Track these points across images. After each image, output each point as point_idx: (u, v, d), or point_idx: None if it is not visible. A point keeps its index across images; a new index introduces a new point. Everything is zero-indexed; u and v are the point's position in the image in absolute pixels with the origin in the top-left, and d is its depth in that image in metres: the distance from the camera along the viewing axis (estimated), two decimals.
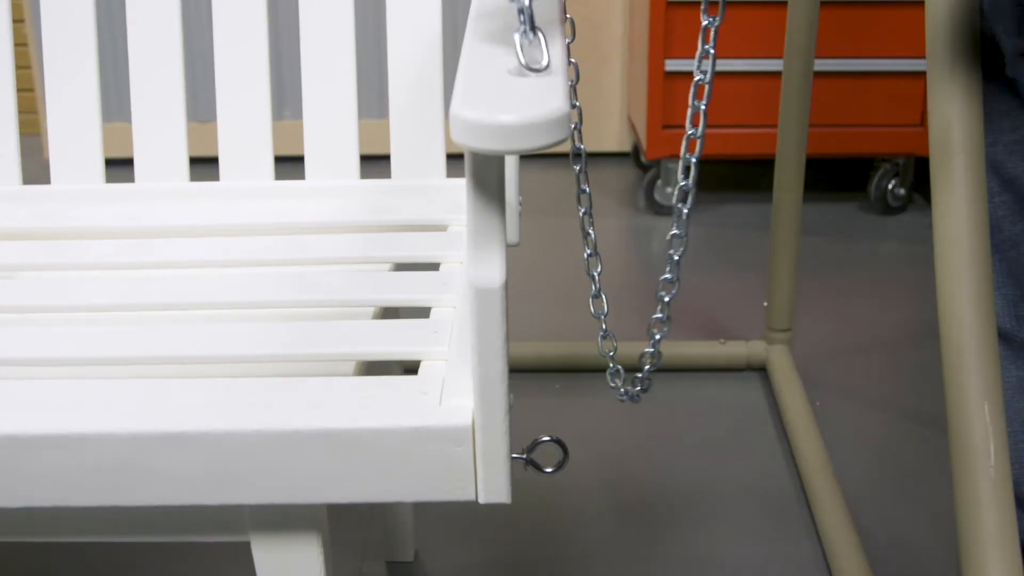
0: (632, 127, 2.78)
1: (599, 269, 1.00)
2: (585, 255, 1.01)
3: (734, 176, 2.82)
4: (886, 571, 1.40)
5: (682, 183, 0.92)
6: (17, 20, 2.80)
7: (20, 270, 1.07)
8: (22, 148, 1.22)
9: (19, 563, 1.46)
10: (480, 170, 0.67)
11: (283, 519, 0.82)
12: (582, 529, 1.51)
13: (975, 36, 0.87)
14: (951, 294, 0.93)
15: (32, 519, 0.84)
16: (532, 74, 0.67)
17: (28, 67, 2.81)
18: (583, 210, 0.98)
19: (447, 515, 1.52)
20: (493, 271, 0.70)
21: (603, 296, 0.99)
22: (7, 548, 1.44)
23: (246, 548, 1.35)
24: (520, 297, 2.12)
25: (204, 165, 2.41)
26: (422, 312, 0.96)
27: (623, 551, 1.45)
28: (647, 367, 0.96)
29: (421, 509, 1.50)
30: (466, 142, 0.62)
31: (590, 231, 1.00)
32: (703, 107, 0.89)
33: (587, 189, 0.99)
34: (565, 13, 0.85)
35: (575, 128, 1.02)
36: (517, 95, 0.64)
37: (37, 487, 0.77)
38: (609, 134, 2.90)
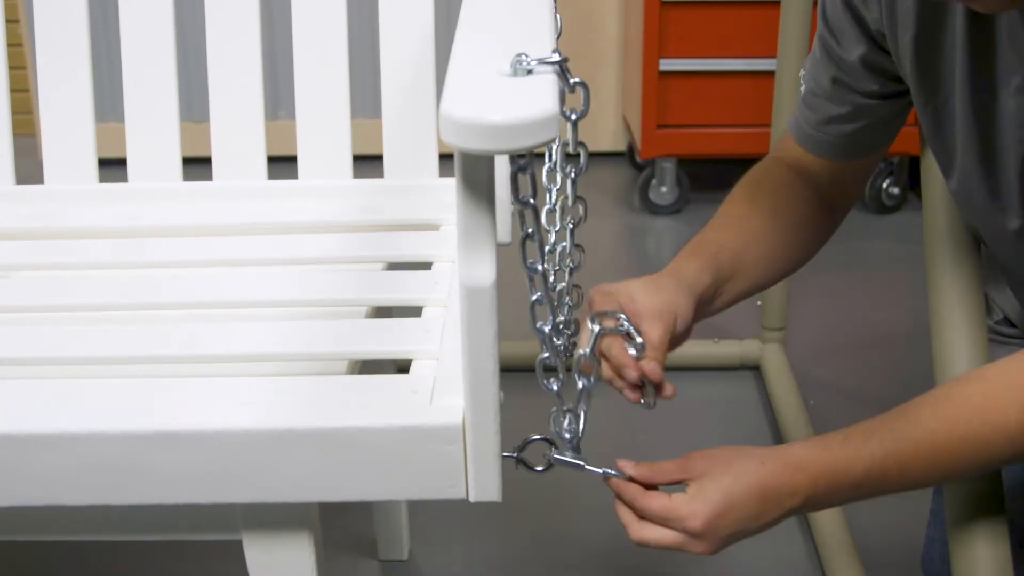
0: (627, 127, 2.78)
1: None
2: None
3: (728, 175, 2.82)
4: (879, 570, 1.40)
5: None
6: (12, 20, 2.80)
7: (14, 270, 1.07)
8: (18, 149, 1.22)
9: (19, 563, 1.46)
10: (470, 170, 0.67)
11: (275, 518, 0.82)
12: (576, 528, 1.51)
13: None
14: (941, 293, 0.93)
15: (28, 518, 0.84)
16: (523, 74, 0.68)
17: (23, 68, 2.81)
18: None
19: (442, 514, 1.52)
20: (484, 270, 0.70)
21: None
22: (7, 548, 1.44)
23: None
24: (511, 296, 2.12)
25: (201, 165, 2.41)
26: (414, 311, 0.96)
27: (617, 550, 1.45)
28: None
29: (415, 508, 1.50)
30: (455, 142, 0.62)
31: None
32: None
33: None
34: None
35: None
36: (506, 95, 0.65)
37: (33, 486, 0.77)
38: (604, 134, 2.90)
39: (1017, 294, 0.98)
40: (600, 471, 0.83)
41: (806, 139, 0.99)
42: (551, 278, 0.88)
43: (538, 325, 0.76)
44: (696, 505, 0.78)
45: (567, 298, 0.85)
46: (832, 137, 0.97)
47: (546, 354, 0.76)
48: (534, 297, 0.74)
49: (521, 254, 0.72)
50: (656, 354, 0.85)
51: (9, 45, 1.23)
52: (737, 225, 0.97)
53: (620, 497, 0.83)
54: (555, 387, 0.78)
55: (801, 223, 1.00)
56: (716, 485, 0.79)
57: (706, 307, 0.92)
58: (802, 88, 0.99)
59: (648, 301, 0.86)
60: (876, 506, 1.50)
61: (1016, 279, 0.97)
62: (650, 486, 0.82)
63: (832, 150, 0.98)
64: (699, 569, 1.40)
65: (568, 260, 0.86)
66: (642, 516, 0.81)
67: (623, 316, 0.85)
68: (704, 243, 0.95)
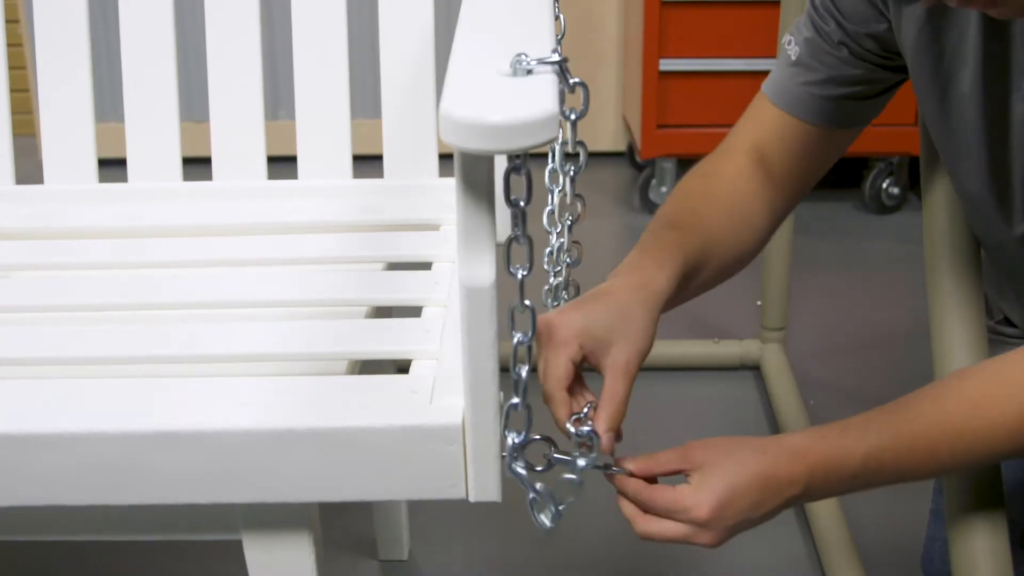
0: (627, 127, 2.78)
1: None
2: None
3: None
4: (879, 570, 1.40)
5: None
6: (12, 20, 2.79)
7: (14, 270, 1.07)
8: (18, 149, 1.22)
9: (19, 563, 1.46)
10: (470, 170, 0.67)
11: (274, 518, 0.82)
12: (576, 528, 1.51)
13: None
14: (941, 293, 0.93)
15: (28, 518, 0.84)
16: (523, 74, 0.68)
17: (23, 68, 2.81)
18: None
19: (442, 514, 1.52)
20: (483, 270, 0.70)
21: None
22: (7, 548, 1.44)
23: None
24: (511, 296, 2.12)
25: (201, 165, 2.41)
26: (414, 311, 0.96)
27: (617, 549, 1.45)
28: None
29: (415, 508, 1.50)
30: (455, 142, 0.62)
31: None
32: None
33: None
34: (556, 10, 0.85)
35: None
36: (506, 95, 0.65)
37: (33, 486, 0.77)
38: (604, 134, 2.90)
39: (1019, 296, 0.98)
40: (601, 467, 0.83)
41: (794, 103, 0.95)
42: (551, 277, 0.87)
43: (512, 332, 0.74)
44: (701, 495, 0.78)
45: (563, 293, 0.84)
46: (824, 100, 0.94)
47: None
48: (512, 305, 0.73)
49: (505, 256, 0.72)
50: (615, 417, 0.82)
51: (9, 45, 1.23)
52: (697, 225, 0.93)
53: (623, 492, 0.82)
54: (512, 401, 0.76)
55: (754, 221, 0.97)
56: (720, 474, 0.79)
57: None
58: (792, 53, 0.95)
59: (620, 350, 0.82)
60: (876, 506, 1.50)
61: (1019, 282, 0.97)
62: (650, 479, 0.82)
63: (822, 115, 0.94)
64: (699, 568, 1.41)
65: (565, 256, 0.85)
66: (647, 510, 0.81)
67: (590, 423, 0.82)
68: (671, 248, 0.91)
